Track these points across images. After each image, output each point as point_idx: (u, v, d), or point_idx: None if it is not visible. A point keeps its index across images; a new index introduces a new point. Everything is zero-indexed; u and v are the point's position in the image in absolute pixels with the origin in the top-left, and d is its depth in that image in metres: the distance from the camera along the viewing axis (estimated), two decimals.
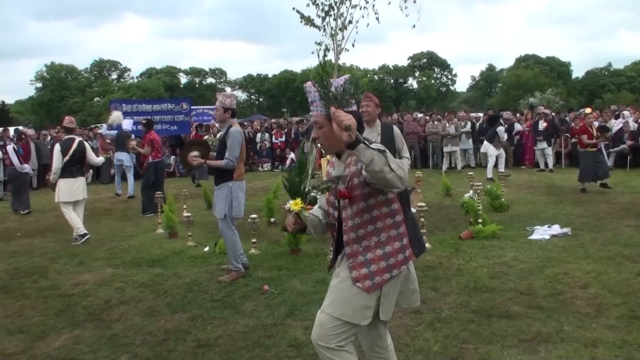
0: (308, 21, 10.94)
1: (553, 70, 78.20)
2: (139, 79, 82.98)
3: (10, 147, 14.88)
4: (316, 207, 3.54)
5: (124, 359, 4.83)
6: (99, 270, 7.87)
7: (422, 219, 8.25)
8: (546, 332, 4.92)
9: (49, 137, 20.43)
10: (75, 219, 9.93)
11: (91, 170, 19.07)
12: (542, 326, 5.06)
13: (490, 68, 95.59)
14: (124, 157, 16.09)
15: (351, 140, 2.72)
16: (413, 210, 9.56)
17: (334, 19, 10.85)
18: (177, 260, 8.23)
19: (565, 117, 20.73)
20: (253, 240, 8.55)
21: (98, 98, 74.30)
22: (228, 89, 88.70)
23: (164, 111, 19.62)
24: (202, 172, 16.86)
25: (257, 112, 68.95)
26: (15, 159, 14.10)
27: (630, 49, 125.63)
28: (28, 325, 5.79)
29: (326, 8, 10.88)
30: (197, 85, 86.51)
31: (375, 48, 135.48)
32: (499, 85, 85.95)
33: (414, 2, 11.05)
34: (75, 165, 9.94)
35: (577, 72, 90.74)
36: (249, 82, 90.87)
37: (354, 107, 3.10)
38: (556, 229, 8.86)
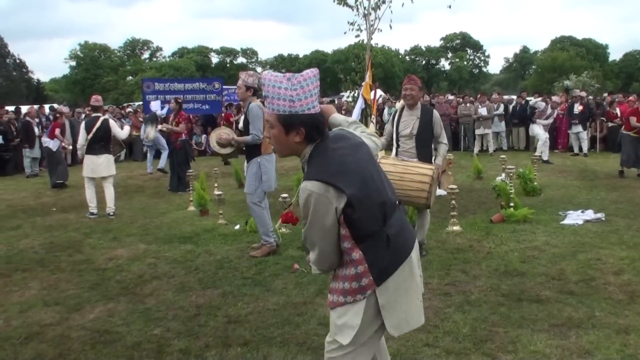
0: (341, 0, 10.86)
1: (589, 53, 76.48)
2: (171, 58, 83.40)
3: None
4: None
5: (157, 332, 4.93)
6: (132, 245, 8.00)
7: (453, 202, 8.22)
8: (577, 318, 4.88)
9: (83, 115, 20.71)
10: (90, 196, 10.20)
11: (124, 149, 19.23)
12: (573, 311, 5.02)
13: (525, 50, 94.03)
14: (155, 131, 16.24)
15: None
16: (444, 192, 9.59)
17: None
18: (208, 237, 8.32)
19: (601, 101, 20.34)
20: None
21: (130, 77, 74.87)
22: (259, 69, 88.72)
23: (196, 90, 19.67)
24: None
25: None
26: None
27: None
28: (63, 297, 5.93)
29: None
30: (228, 65, 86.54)
31: (407, 28, 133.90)
32: (533, 67, 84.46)
33: None
34: (99, 143, 10.06)
35: (615, 55, 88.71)
36: (280, 62, 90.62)
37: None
38: (589, 214, 8.74)
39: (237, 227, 8.85)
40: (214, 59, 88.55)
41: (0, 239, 8.67)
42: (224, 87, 21.52)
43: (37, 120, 18.57)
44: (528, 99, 21.21)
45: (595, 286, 5.68)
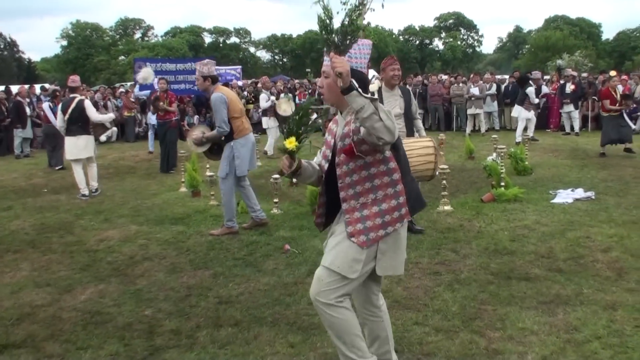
0: None
1: (583, 32, 76.37)
2: (163, 38, 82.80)
3: (45, 105, 15.08)
4: (315, 158, 3.57)
5: (148, 313, 4.95)
6: (123, 227, 8.00)
7: (444, 182, 8.25)
8: (565, 295, 4.93)
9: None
10: (80, 178, 10.19)
11: (115, 129, 19.12)
12: (561, 289, 5.07)
13: (518, 29, 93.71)
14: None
15: (344, 87, 2.81)
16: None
17: None
18: (199, 218, 8.33)
19: (594, 80, 20.32)
20: (275, 200, 8.60)
21: (123, 57, 74.40)
22: (252, 49, 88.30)
23: (188, 70, 19.47)
24: None
25: (281, 73, 68.53)
26: (52, 116, 14.23)
27: None
28: (55, 278, 5.94)
29: None
30: (221, 45, 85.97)
31: (400, 8, 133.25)
32: (527, 47, 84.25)
33: None
34: (76, 124, 10.03)
35: (608, 34, 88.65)
36: (273, 42, 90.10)
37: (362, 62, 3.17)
38: (580, 193, 8.79)
39: None
40: (207, 38, 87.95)
41: None
42: (217, 67, 21.42)
43: (27, 100, 18.40)
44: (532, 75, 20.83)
45: (584, 264, 5.73)
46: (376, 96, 7.09)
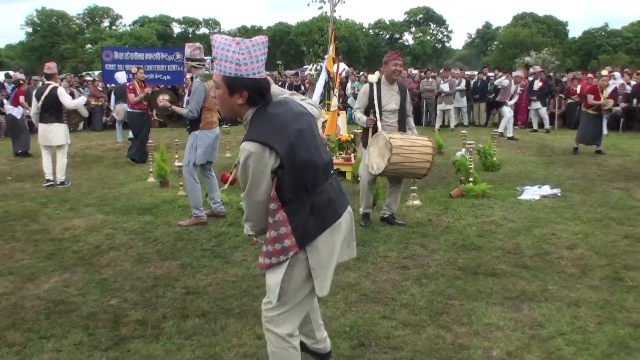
0: None
1: (550, 30, 77.31)
2: (132, 27, 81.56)
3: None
4: None
5: (113, 303, 4.88)
6: (89, 216, 7.88)
7: None
8: (531, 291, 4.99)
9: (40, 83, 20.18)
10: (46, 164, 10.12)
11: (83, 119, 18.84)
12: (527, 285, 5.14)
13: (487, 25, 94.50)
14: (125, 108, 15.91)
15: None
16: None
17: None
18: (167, 209, 8.24)
19: (561, 78, 20.58)
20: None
21: (90, 45, 73.13)
22: None
23: (157, 60, 19.26)
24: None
25: None
26: (8, 105, 14.03)
27: (628, 10, 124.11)
28: (18, 267, 5.83)
29: None
30: (190, 36, 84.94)
31: (371, 1, 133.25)
32: (495, 43, 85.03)
33: None
34: (48, 111, 9.90)
35: (575, 32, 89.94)
36: (243, 34, 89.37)
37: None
38: (546, 190, 8.91)
39: None
40: (176, 28, 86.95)
41: None
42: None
43: None
44: (490, 74, 21.40)
45: (549, 260, 5.81)
46: (368, 89, 7.12)
